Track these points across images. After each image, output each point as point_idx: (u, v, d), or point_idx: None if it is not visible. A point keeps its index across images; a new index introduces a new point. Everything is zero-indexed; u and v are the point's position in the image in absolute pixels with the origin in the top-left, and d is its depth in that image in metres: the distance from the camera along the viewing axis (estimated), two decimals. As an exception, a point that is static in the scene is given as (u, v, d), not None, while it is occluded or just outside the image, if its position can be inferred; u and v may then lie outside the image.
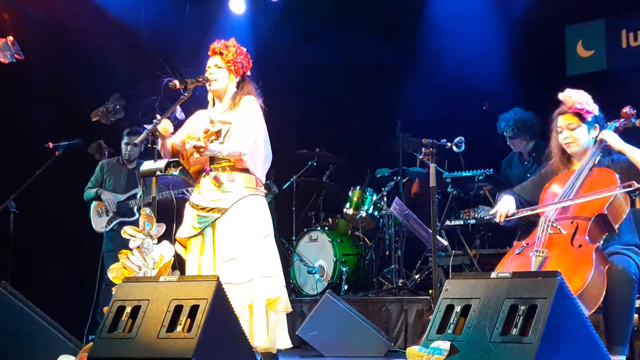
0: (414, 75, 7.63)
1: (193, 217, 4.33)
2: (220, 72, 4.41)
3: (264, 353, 4.20)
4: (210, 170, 4.32)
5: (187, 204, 4.42)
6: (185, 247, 4.36)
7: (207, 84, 4.44)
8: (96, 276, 6.04)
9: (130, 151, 6.56)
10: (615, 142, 3.89)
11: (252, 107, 4.37)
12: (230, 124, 4.30)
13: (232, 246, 4.22)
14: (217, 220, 4.26)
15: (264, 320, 4.18)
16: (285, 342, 4.28)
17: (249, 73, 4.51)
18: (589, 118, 3.96)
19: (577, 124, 3.96)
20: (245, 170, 4.31)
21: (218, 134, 4.08)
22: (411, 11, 7.54)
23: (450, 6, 7.36)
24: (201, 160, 4.37)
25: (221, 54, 4.41)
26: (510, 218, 3.99)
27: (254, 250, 4.24)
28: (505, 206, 4.03)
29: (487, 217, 4.19)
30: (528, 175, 5.67)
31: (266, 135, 4.40)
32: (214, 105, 4.53)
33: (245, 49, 4.49)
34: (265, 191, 4.46)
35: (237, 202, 4.26)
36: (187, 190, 6.04)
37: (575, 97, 3.96)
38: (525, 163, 6.35)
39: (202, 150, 4.12)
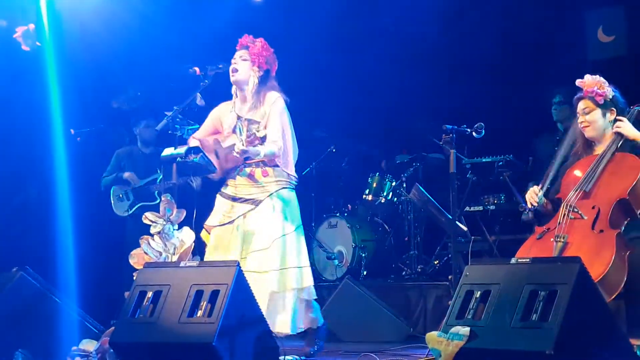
0: (433, 60, 7.60)
1: (227, 207, 4.48)
2: (244, 64, 4.50)
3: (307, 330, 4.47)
4: (245, 165, 4.48)
5: (218, 195, 4.57)
6: (209, 233, 4.50)
7: (231, 76, 4.52)
8: (120, 261, 6.06)
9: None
10: (630, 132, 3.90)
11: (277, 104, 4.48)
12: (258, 123, 4.44)
13: (264, 236, 4.36)
14: (250, 212, 4.42)
15: (294, 308, 4.36)
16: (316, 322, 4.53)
17: (274, 74, 4.60)
18: (601, 101, 3.97)
19: (591, 108, 4.00)
20: (277, 165, 4.48)
21: (263, 139, 4.27)
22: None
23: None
24: (236, 157, 4.50)
25: (247, 47, 4.52)
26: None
27: (286, 240, 4.39)
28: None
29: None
30: (555, 148, 5.59)
31: (292, 131, 4.55)
32: (237, 97, 4.60)
33: (272, 50, 4.59)
34: (296, 183, 4.59)
35: (270, 195, 4.43)
36: (192, 180, 6.06)
37: (587, 81, 4.01)
38: (557, 138, 6.26)
39: (245, 154, 4.35)
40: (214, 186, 6.51)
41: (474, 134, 4.54)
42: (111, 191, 6.58)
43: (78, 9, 6.94)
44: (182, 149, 4.46)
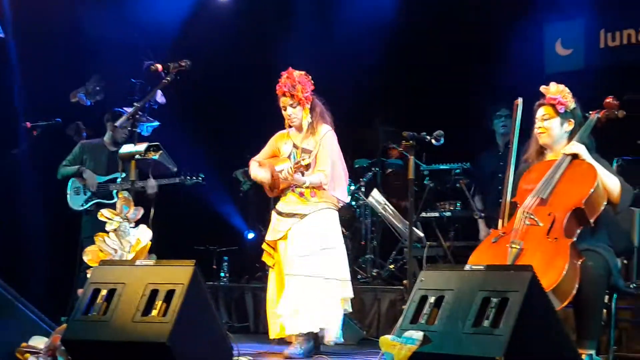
0: (392, 67, 7.67)
1: (278, 222, 4.93)
2: (296, 110, 4.90)
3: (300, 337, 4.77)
4: (296, 185, 4.88)
5: (272, 212, 5.01)
6: (274, 249, 4.95)
7: (290, 122, 4.91)
8: (74, 258, 5.98)
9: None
10: (586, 157, 3.91)
11: (327, 136, 4.89)
12: (311, 151, 4.85)
13: (308, 245, 4.78)
14: (296, 224, 4.84)
15: (339, 316, 4.81)
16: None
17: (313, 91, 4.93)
18: (562, 110, 4.00)
19: (550, 115, 4.02)
20: (324, 189, 4.90)
21: (307, 167, 4.64)
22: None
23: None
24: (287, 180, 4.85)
25: (292, 94, 4.84)
26: None
27: (328, 254, 4.81)
28: None
29: None
30: (501, 163, 5.67)
31: (342, 160, 4.99)
32: (290, 126, 4.98)
33: (304, 73, 4.90)
34: (340, 206, 5.01)
35: (317, 211, 4.86)
36: (147, 186, 6.00)
37: (551, 89, 4.04)
38: (499, 153, 6.37)
39: (289, 179, 4.75)
40: (173, 186, 6.49)
41: (433, 141, 4.57)
42: (69, 183, 6.44)
43: (39, 1, 6.86)
44: (141, 146, 4.43)
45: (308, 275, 4.73)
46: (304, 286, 4.73)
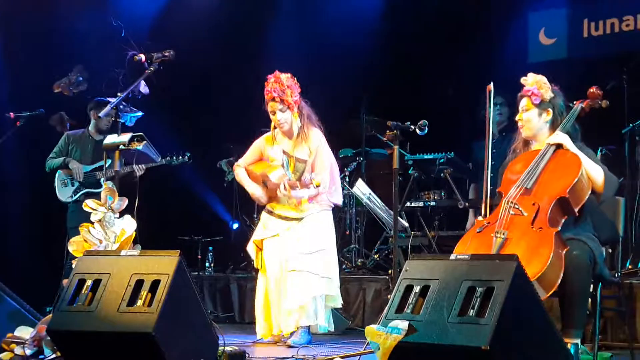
0: (378, 57, 7.67)
1: (272, 222, 4.94)
2: (286, 115, 4.88)
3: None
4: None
5: (264, 212, 5.04)
6: (260, 249, 4.98)
7: (279, 127, 4.88)
8: (60, 248, 5.95)
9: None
10: (570, 147, 3.91)
11: (322, 144, 4.92)
12: (305, 161, 4.89)
13: (309, 243, 4.84)
14: (296, 225, 4.88)
15: (323, 310, 4.89)
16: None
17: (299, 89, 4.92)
18: (537, 101, 3.97)
19: (529, 107, 4.00)
20: None
21: (317, 187, 4.71)
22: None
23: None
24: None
25: (282, 99, 4.81)
26: None
27: (326, 254, 4.90)
28: None
29: None
30: (494, 151, 5.67)
31: (335, 163, 5.04)
32: (275, 128, 4.95)
33: (290, 75, 4.87)
34: (332, 206, 5.06)
35: (314, 213, 4.91)
36: (137, 167, 5.97)
37: (529, 80, 4.02)
38: (493, 141, 6.37)
39: (287, 195, 4.80)
40: (158, 176, 6.48)
41: (417, 131, 4.57)
42: (56, 176, 6.41)
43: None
44: (125, 137, 4.42)
45: (310, 272, 4.79)
46: (307, 282, 4.78)
